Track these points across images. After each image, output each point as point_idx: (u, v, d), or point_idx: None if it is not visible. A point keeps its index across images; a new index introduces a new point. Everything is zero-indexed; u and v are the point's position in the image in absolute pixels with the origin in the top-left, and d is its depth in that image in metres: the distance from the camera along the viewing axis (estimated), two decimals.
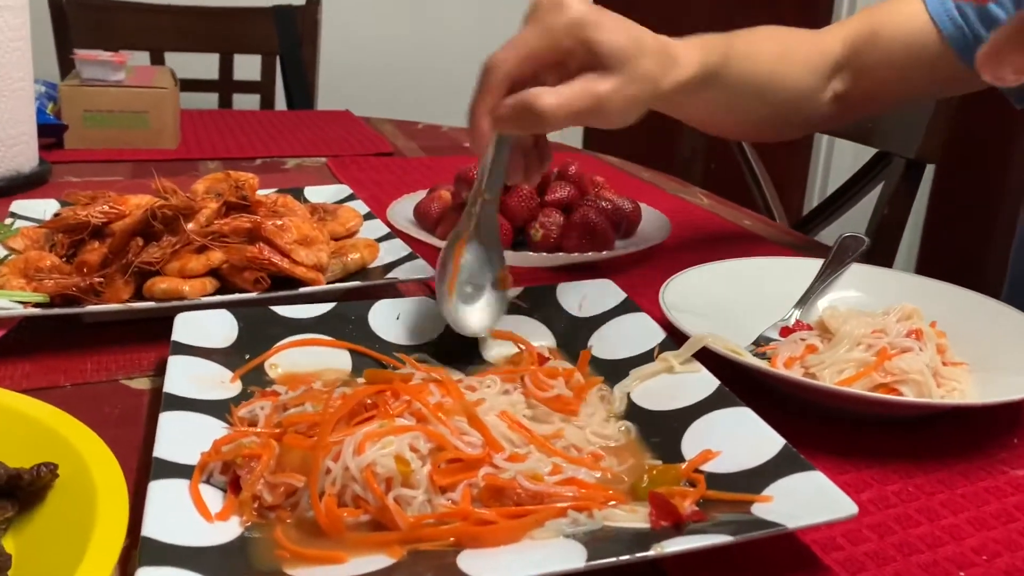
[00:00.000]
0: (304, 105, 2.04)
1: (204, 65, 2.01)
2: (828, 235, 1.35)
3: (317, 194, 0.98)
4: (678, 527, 0.45)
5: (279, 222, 0.74)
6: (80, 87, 1.25)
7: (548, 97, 0.60)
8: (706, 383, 0.57)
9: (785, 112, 0.83)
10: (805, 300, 0.73)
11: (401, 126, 1.61)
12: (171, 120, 1.30)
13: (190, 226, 0.72)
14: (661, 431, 0.55)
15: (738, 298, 0.73)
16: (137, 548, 0.41)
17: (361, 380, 0.58)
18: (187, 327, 0.62)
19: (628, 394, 0.58)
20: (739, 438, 0.52)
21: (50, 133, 1.24)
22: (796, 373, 0.62)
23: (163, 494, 0.45)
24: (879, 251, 0.80)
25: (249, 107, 2.09)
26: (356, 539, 0.44)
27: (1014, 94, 0.81)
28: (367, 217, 0.90)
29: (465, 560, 0.42)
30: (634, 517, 0.46)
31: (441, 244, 0.87)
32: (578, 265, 0.86)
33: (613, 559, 0.41)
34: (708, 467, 0.51)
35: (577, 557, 0.41)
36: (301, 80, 2.04)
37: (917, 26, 0.78)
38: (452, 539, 0.44)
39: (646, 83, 0.64)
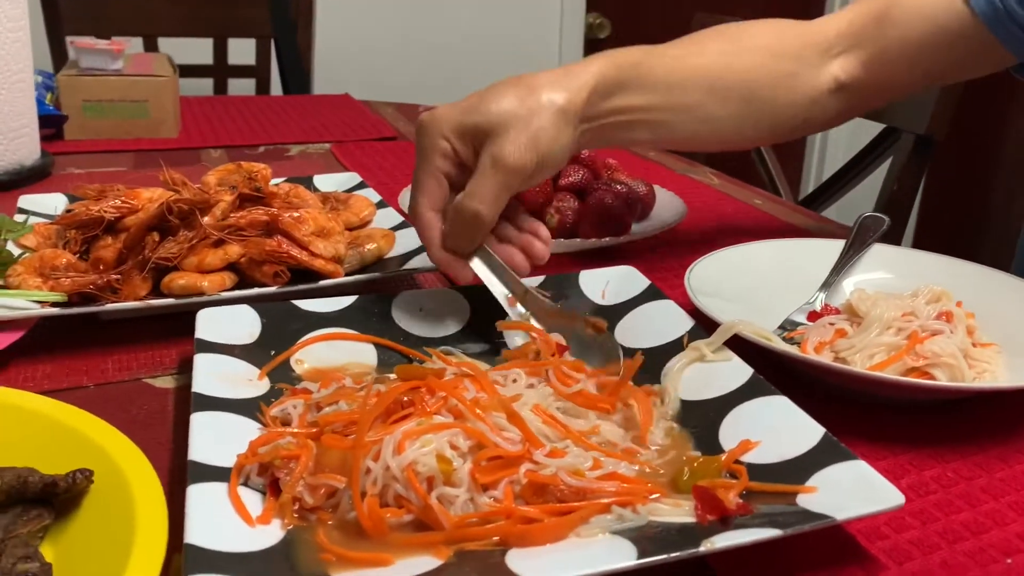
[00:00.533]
0: (300, 89, 2.02)
1: (198, 50, 1.98)
2: (836, 211, 1.35)
3: (326, 182, 0.97)
4: (725, 521, 0.44)
5: (296, 214, 0.73)
6: (79, 77, 1.23)
7: (466, 198, 0.62)
8: (739, 371, 0.56)
9: (766, 109, 0.78)
10: (830, 282, 0.73)
11: (402, 109, 1.60)
12: (171, 108, 1.28)
13: (206, 220, 0.71)
14: (697, 421, 0.54)
15: (762, 281, 0.72)
16: (178, 553, 0.41)
17: (392, 376, 0.57)
18: (210, 324, 0.61)
19: (677, 394, 0.57)
20: (777, 427, 0.51)
21: (50, 124, 1.22)
22: (826, 358, 0.62)
23: (202, 498, 0.44)
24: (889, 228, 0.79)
25: (245, 91, 2.07)
26: (400, 540, 0.43)
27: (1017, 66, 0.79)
28: (380, 206, 0.89)
29: (514, 560, 0.41)
30: (679, 511, 0.46)
31: None
32: (594, 250, 0.85)
33: (664, 556, 0.41)
34: (748, 458, 0.50)
35: (627, 555, 0.41)
36: (297, 63, 2.01)
37: (939, 1, 0.76)
38: (497, 538, 0.43)
39: (543, 112, 0.63)
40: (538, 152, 0.62)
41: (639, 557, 0.40)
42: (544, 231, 0.67)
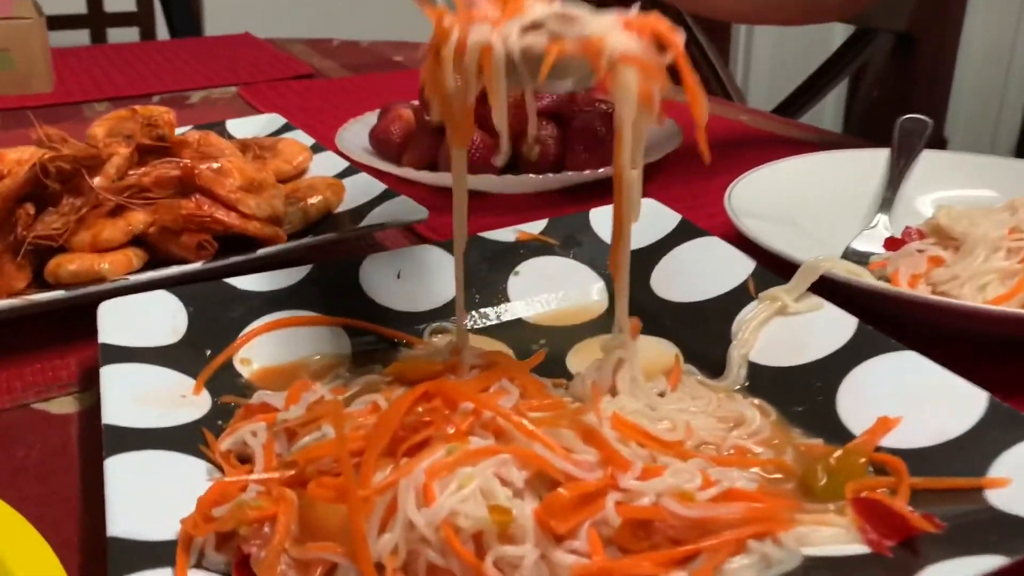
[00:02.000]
0: (191, 34, 1.80)
1: None
2: (812, 119, 1.22)
3: (243, 127, 0.79)
4: (912, 546, 0.31)
5: (215, 165, 0.56)
6: None
7: None
8: (840, 324, 0.43)
9: None
10: (889, 200, 0.60)
11: (313, 45, 1.40)
12: (41, 57, 1.07)
13: (97, 181, 0.53)
14: (801, 396, 0.41)
15: (805, 205, 0.60)
16: None
17: (379, 374, 0.42)
18: (117, 321, 0.45)
19: (747, 356, 0.44)
20: (919, 396, 0.38)
21: None
22: (923, 293, 0.49)
23: None
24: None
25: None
26: None
27: None
28: (315, 149, 0.72)
29: None
30: (838, 534, 0.32)
31: (411, 174, 0.70)
32: (582, 186, 0.71)
33: None
34: (890, 442, 0.37)
35: None
36: (184, 4, 1.79)
37: None
38: None
39: None
40: None
41: None
42: None
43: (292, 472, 0.33)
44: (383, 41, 1.42)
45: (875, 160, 0.64)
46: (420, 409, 0.34)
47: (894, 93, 1.14)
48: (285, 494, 0.32)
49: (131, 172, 0.55)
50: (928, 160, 0.64)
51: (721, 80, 1.40)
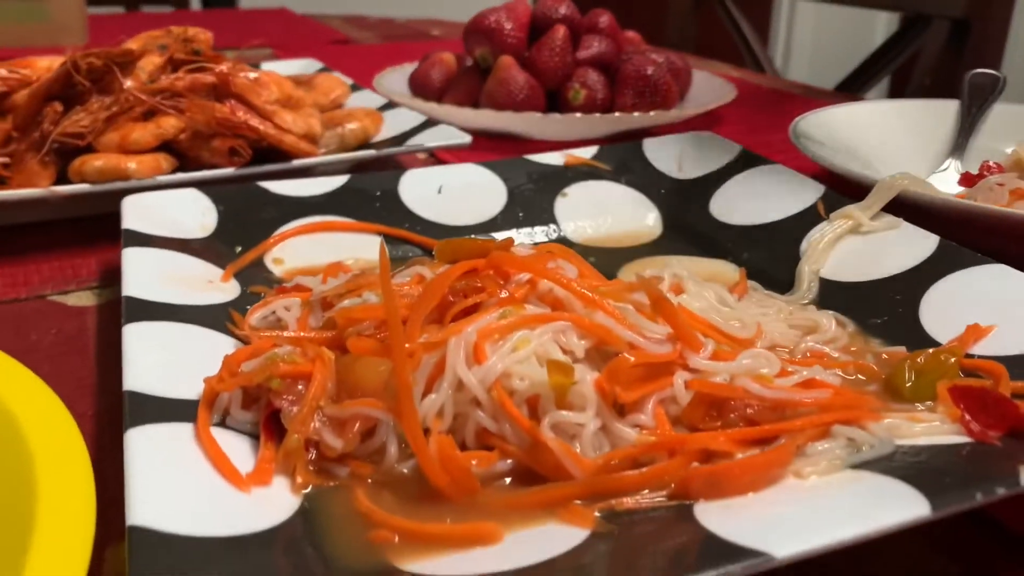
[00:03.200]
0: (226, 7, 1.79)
1: None
2: None
3: (279, 69, 0.77)
4: (1018, 435, 0.28)
5: (252, 75, 0.54)
6: None
7: None
8: (920, 240, 0.40)
9: None
10: (962, 145, 0.57)
11: (350, 20, 1.39)
12: (76, 10, 1.06)
13: (129, 83, 0.51)
14: (880, 308, 0.37)
15: (869, 146, 0.56)
16: (117, 544, 0.22)
17: (414, 270, 0.39)
18: (143, 213, 0.42)
19: (819, 272, 0.40)
20: (1011, 306, 0.35)
21: None
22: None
23: (152, 450, 0.26)
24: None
25: None
26: (502, 502, 0.26)
27: None
28: (354, 88, 0.70)
29: (718, 523, 0.24)
30: (931, 427, 0.29)
31: (453, 112, 0.68)
32: (631, 133, 0.68)
33: (969, 501, 0.24)
34: (982, 349, 0.33)
35: (908, 501, 0.24)
36: None
37: None
38: (669, 490, 0.26)
39: None
40: None
41: (933, 507, 0.23)
42: None
43: (330, 333, 0.30)
44: (419, 19, 1.40)
45: (943, 111, 0.61)
46: (467, 283, 0.31)
47: (947, 81, 1.10)
48: (321, 352, 0.29)
49: (165, 77, 0.53)
50: (1000, 113, 0.60)
51: (756, 56, 1.36)
